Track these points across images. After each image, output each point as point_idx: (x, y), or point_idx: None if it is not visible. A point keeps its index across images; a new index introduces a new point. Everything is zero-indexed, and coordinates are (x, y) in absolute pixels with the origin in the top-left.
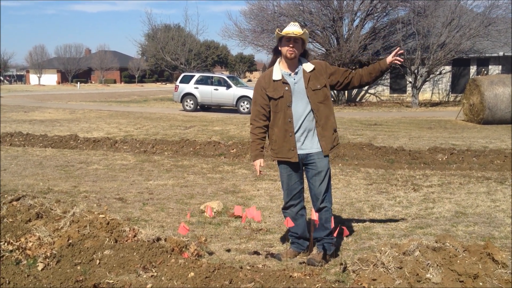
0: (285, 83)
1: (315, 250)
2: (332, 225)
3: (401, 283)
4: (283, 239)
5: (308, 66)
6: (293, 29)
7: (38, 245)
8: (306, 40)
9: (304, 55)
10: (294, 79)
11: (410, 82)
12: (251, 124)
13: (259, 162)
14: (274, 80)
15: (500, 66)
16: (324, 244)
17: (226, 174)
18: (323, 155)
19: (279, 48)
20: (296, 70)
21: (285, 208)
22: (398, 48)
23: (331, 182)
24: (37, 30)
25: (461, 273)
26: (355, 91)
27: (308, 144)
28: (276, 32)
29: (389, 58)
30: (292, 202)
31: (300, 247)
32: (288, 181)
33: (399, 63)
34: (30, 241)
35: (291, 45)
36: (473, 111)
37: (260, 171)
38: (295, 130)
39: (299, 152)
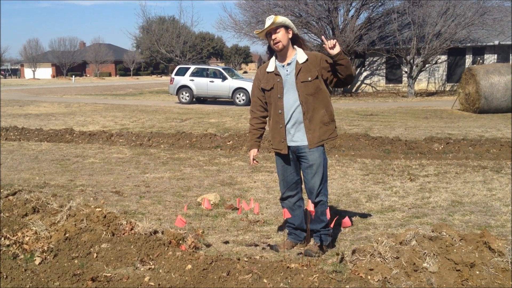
0: (277, 74)
1: (312, 241)
2: (328, 216)
3: (398, 273)
4: (281, 230)
5: (301, 57)
6: (266, 24)
7: (35, 239)
8: (289, 25)
9: (295, 43)
10: (287, 71)
11: (406, 72)
12: (250, 114)
13: (252, 152)
14: (267, 72)
15: (496, 55)
16: (320, 235)
17: (222, 166)
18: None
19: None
20: (290, 61)
21: (282, 199)
22: (323, 36)
23: (328, 174)
24: (31, 24)
25: (457, 262)
26: None
27: (300, 136)
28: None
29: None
30: (289, 193)
31: (297, 238)
32: (283, 172)
33: (326, 44)
34: (27, 236)
35: (273, 38)
36: (469, 100)
37: (254, 161)
38: (285, 122)
39: (291, 144)
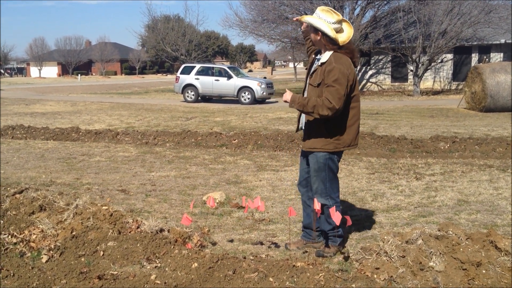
0: (311, 65)
1: (321, 243)
2: (337, 220)
3: (404, 272)
4: (286, 229)
5: (323, 59)
6: None
7: (42, 237)
8: (315, 27)
9: (331, 47)
10: (314, 66)
11: (412, 70)
12: None
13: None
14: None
15: (502, 54)
16: (328, 237)
17: (228, 165)
18: (312, 151)
19: None
20: (320, 57)
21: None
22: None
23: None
24: (37, 23)
25: (464, 261)
26: None
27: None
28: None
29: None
30: (299, 188)
31: (307, 236)
32: (300, 163)
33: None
34: (33, 234)
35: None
36: (475, 99)
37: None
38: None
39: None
